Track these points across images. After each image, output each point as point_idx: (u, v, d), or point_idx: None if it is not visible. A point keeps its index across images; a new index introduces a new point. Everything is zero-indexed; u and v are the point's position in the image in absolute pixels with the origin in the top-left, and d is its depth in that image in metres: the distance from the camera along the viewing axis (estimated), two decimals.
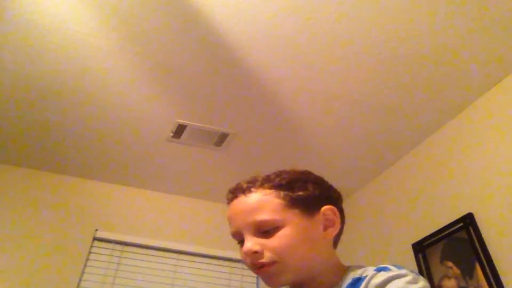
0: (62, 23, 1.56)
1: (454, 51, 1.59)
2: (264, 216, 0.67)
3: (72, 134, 2.15)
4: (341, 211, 0.74)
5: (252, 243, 0.66)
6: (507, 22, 1.46)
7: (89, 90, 1.87)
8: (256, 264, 0.66)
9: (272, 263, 0.65)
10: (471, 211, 1.65)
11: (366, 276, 0.64)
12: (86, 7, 1.50)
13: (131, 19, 1.54)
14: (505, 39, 1.53)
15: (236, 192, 0.72)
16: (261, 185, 0.70)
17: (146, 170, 2.44)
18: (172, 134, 2.12)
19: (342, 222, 0.74)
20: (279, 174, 0.73)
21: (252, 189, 0.70)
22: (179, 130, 2.09)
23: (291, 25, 1.53)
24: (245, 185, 0.71)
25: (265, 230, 0.66)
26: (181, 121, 2.03)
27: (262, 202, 0.68)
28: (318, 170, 0.80)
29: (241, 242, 0.69)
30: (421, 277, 0.59)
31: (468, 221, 1.65)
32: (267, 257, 0.65)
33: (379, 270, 0.62)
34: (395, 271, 0.60)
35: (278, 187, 0.70)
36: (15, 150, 2.30)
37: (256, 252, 0.65)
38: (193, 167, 2.40)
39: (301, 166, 0.79)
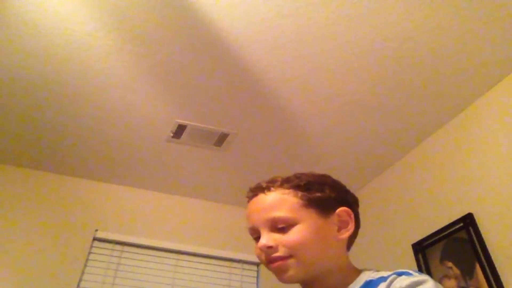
0: (62, 23, 1.56)
1: (454, 51, 1.59)
2: (280, 213, 0.70)
3: (72, 134, 2.15)
4: (356, 215, 0.76)
5: (267, 238, 0.69)
6: (507, 22, 1.46)
7: (89, 90, 1.87)
8: (270, 258, 0.69)
9: (286, 257, 0.68)
10: (471, 211, 1.65)
11: (380, 278, 0.64)
12: (86, 7, 1.50)
13: (131, 19, 1.54)
14: (505, 39, 1.53)
15: (256, 190, 0.76)
16: (281, 185, 0.74)
17: (146, 170, 2.44)
18: (172, 134, 2.12)
19: (357, 225, 0.76)
20: (298, 176, 0.76)
21: (272, 188, 0.74)
22: (179, 130, 2.09)
23: (291, 25, 1.53)
24: (265, 185, 0.75)
25: (281, 227, 0.70)
26: (181, 121, 2.03)
27: (280, 200, 0.72)
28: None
29: (257, 238, 0.72)
30: (438, 284, 0.60)
31: (468, 221, 1.65)
32: (281, 251, 0.68)
33: (399, 274, 0.62)
34: (417, 276, 0.60)
35: (296, 187, 0.73)
36: (15, 150, 2.30)
37: (270, 247, 0.68)
38: (193, 167, 2.40)
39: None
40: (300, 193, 0.72)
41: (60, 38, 1.62)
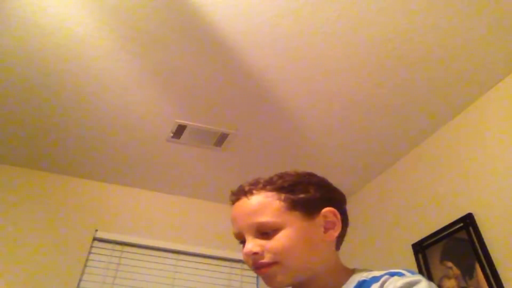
0: (62, 23, 1.56)
1: (454, 51, 1.59)
2: (264, 218, 0.68)
3: (72, 134, 2.15)
4: (343, 213, 0.74)
5: (252, 244, 0.67)
6: (507, 22, 1.46)
7: (89, 90, 1.87)
8: (256, 264, 0.67)
9: (271, 263, 0.66)
10: (471, 211, 1.65)
11: (373, 278, 0.63)
12: (86, 7, 1.50)
13: (131, 19, 1.54)
14: (505, 39, 1.53)
15: (238, 194, 0.73)
16: (263, 188, 0.71)
17: (146, 170, 2.44)
18: (172, 134, 2.12)
19: (345, 224, 0.74)
20: (281, 176, 0.73)
21: (254, 191, 0.71)
22: (179, 130, 2.09)
23: (291, 25, 1.53)
24: (247, 188, 0.73)
25: (266, 232, 0.67)
26: (181, 121, 2.03)
27: (263, 205, 0.69)
28: (318, 170, 0.80)
29: (243, 242, 0.70)
30: (432, 283, 0.59)
31: (468, 221, 1.65)
32: (267, 257, 0.66)
33: (392, 274, 0.61)
34: (410, 277, 0.59)
35: (279, 189, 0.71)
36: (15, 150, 2.30)
37: (256, 253, 0.67)
38: (193, 167, 2.40)
39: (301, 166, 0.80)
40: (283, 196, 0.70)
41: (60, 38, 1.62)
